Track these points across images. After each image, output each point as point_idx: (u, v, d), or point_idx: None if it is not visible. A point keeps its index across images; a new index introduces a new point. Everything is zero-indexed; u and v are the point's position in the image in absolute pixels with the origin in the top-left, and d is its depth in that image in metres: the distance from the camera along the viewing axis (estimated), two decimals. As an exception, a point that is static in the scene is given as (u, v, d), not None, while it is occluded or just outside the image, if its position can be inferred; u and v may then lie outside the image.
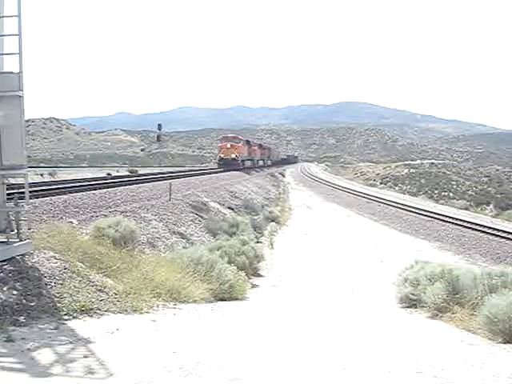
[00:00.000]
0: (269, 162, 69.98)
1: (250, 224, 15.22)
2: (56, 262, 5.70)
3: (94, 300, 5.29)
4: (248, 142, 48.26)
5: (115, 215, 10.04)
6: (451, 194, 50.67)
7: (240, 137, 44.67)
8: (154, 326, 5.09)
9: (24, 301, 4.80)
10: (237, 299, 7.89)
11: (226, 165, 38.52)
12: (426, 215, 23.18)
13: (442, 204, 34.78)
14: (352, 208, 28.93)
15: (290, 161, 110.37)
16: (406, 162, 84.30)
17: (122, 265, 6.67)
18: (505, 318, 4.85)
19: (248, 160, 46.37)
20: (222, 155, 40.25)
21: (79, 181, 21.11)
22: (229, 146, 40.19)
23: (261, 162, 59.12)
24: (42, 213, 9.27)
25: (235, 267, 8.63)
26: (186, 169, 41.69)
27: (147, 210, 12.38)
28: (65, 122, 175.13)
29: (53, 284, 5.26)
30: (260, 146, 61.00)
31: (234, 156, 39.62)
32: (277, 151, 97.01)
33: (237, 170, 37.36)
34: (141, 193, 15.62)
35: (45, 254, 5.82)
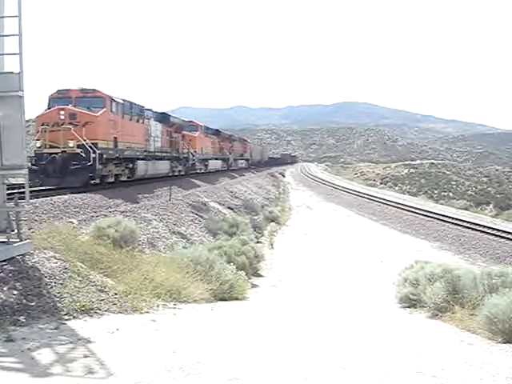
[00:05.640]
0: (242, 164, 45.21)
1: (250, 224, 15.24)
2: (56, 262, 5.69)
3: (94, 300, 5.28)
4: (173, 119, 23.62)
5: (115, 215, 10.05)
6: (451, 194, 50.71)
7: (104, 93, 15.57)
8: (154, 326, 5.09)
9: (24, 301, 4.80)
10: (237, 299, 7.90)
11: (53, 171, 13.69)
12: (425, 215, 23.16)
13: (442, 204, 34.76)
14: (352, 208, 28.92)
15: (286, 161, 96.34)
16: (406, 162, 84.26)
17: (122, 265, 6.68)
18: (505, 318, 4.85)
19: (173, 159, 23.13)
20: (39, 144, 14.08)
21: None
22: (63, 116, 14.09)
23: (218, 164, 34.76)
24: (43, 213, 9.29)
25: (235, 267, 8.64)
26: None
27: (147, 209, 12.38)
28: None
29: (53, 284, 5.26)
30: (216, 132, 35.51)
31: (72, 146, 13.86)
32: (260, 147, 71.27)
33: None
34: (141, 193, 15.65)
35: (45, 253, 5.82)
